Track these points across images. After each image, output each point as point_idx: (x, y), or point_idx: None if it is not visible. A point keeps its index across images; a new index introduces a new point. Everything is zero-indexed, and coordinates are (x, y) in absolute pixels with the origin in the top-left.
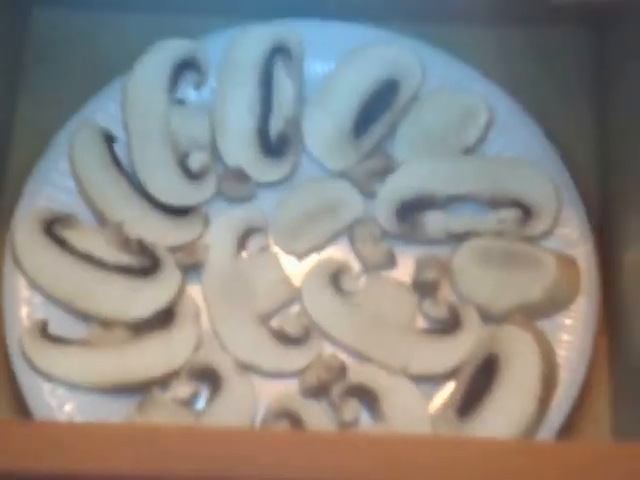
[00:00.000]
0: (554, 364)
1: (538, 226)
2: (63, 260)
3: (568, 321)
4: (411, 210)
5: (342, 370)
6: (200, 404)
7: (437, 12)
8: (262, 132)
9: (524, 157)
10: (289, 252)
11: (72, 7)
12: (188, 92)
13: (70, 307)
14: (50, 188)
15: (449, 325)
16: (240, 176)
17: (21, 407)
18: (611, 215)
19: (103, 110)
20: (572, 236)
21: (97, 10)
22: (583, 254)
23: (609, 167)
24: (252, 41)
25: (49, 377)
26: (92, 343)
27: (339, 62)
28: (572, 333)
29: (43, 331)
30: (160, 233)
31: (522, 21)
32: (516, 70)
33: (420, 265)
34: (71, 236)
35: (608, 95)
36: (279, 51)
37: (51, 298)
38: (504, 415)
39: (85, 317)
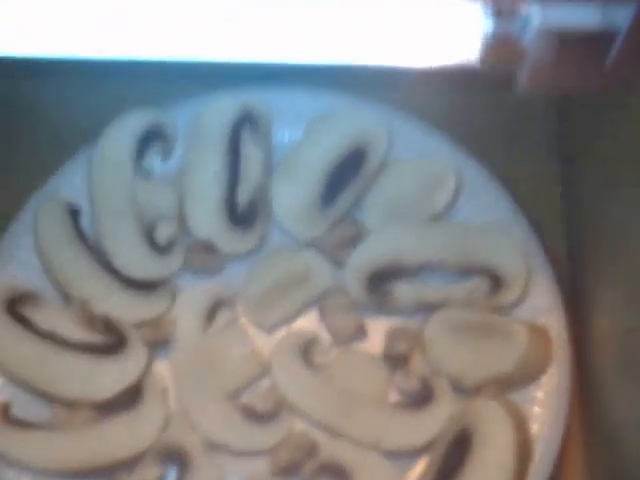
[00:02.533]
0: (528, 438)
1: (508, 296)
2: (25, 340)
3: (540, 393)
4: (381, 280)
5: (313, 447)
6: None
7: (403, 78)
8: (230, 202)
9: (493, 224)
10: (258, 325)
11: (34, 75)
12: (154, 162)
13: (33, 388)
14: (14, 265)
15: (421, 398)
16: (208, 248)
17: None
18: (582, 283)
19: (68, 183)
20: (543, 305)
21: (60, 78)
22: (554, 323)
23: (578, 233)
24: (219, 109)
25: (12, 463)
26: (56, 425)
27: (306, 130)
28: (544, 406)
29: (5, 414)
30: (126, 309)
31: (489, 87)
32: (483, 135)
33: (391, 337)
34: (34, 314)
35: (576, 160)
36: (246, 119)
37: (12, 379)
38: None
39: (48, 398)
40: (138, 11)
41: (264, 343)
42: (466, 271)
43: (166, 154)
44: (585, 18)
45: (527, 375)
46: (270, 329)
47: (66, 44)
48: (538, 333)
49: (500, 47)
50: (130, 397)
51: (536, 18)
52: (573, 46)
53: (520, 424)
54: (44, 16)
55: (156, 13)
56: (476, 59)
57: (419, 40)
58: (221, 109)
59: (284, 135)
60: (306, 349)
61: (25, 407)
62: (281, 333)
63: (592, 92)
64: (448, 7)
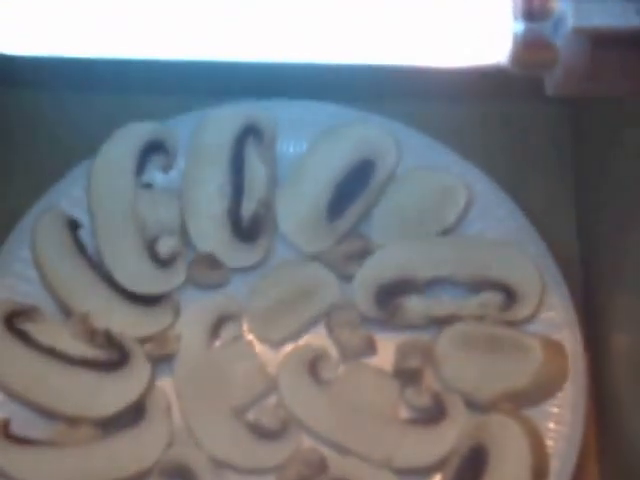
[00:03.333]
0: (544, 455)
1: (522, 310)
2: (25, 355)
3: (555, 409)
4: (390, 294)
5: (322, 465)
6: None
7: (410, 91)
8: (234, 216)
9: (504, 238)
10: (264, 340)
11: (32, 88)
12: (155, 175)
13: (33, 405)
14: (12, 279)
15: (433, 414)
16: (212, 262)
17: None
18: (596, 296)
19: (67, 195)
20: (557, 320)
21: (59, 91)
22: (569, 338)
23: (591, 246)
24: (222, 122)
25: None
26: (57, 443)
27: (312, 142)
28: (560, 421)
29: (5, 431)
30: (128, 324)
31: (499, 99)
32: (493, 148)
33: (401, 352)
34: (34, 329)
35: (590, 174)
36: (250, 131)
37: (13, 395)
38: None
39: (49, 415)
40: (140, 12)
41: (270, 358)
42: (478, 285)
43: (167, 167)
44: (621, 17)
45: (542, 391)
46: (276, 344)
47: (67, 45)
48: (553, 348)
49: (531, 49)
50: (133, 414)
51: (569, 18)
52: (608, 47)
53: (536, 441)
54: (44, 17)
55: (163, 14)
56: (506, 61)
57: (447, 41)
58: (224, 121)
59: (289, 146)
60: (314, 365)
61: (26, 424)
62: (288, 348)
63: (628, 96)
64: (477, 7)
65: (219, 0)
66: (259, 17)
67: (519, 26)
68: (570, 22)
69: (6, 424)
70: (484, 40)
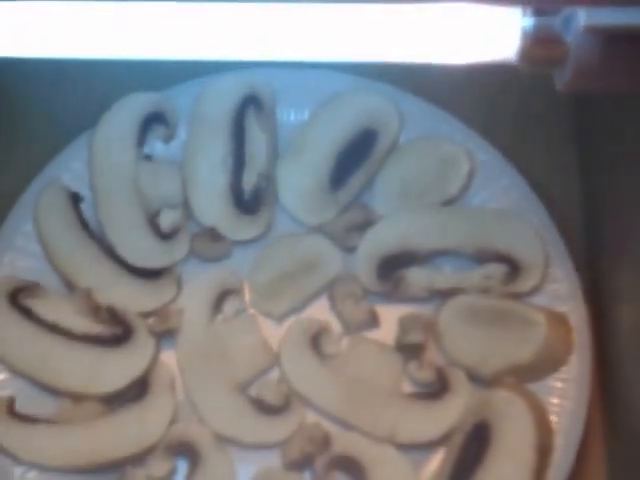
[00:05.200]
0: (549, 431)
1: (526, 282)
2: (29, 331)
3: (559, 384)
4: (392, 266)
5: (326, 440)
6: None
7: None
8: (235, 188)
9: (508, 209)
10: (267, 314)
11: (30, 63)
12: (156, 146)
13: (37, 381)
14: (15, 253)
15: (436, 389)
16: (213, 235)
17: None
18: (600, 268)
19: (68, 169)
20: (561, 292)
21: (58, 63)
22: (574, 311)
23: (595, 218)
24: (222, 91)
25: (19, 459)
26: (62, 420)
27: (313, 111)
28: (564, 396)
29: (10, 409)
30: (131, 298)
31: (503, 67)
32: (497, 119)
33: (404, 326)
34: (37, 305)
35: (593, 144)
36: (250, 101)
37: (17, 372)
38: None
39: (53, 392)
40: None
41: (273, 333)
42: (481, 257)
43: (168, 138)
44: (633, 15)
45: (546, 365)
46: (279, 318)
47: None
48: (558, 321)
49: (541, 45)
50: (137, 390)
51: (580, 15)
52: (620, 44)
53: (540, 416)
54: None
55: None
56: (515, 57)
57: (456, 37)
58: (224, 91)
59: (290, 115)
60: (316, 338)
61: (30, 401)
62: (290, 322)
63: (639, 94)
64: (485, 3)
65: None
66: (264, 17)
67: (528, 21)
68: (581, 19)
69: (11, 402)
70: (493, 36)
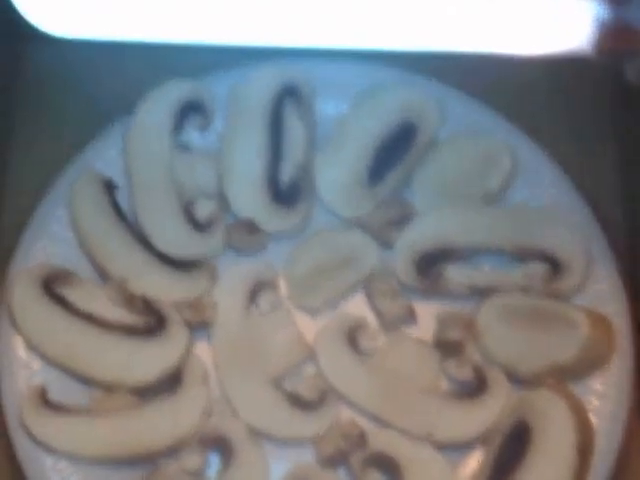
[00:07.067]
0: (590, 432)
1: (568, 282)
2: (62, 320)
3: (599, 385)
4: (431, 262)
5: (361, 437)
6: (211, 474)
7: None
8: (272, 179)
9: (550, 207)
10: (302, 308)
11: (67, 46)
12: (192, 135)
13: (70, 371)
14: (48, 240)
15: (475, 387)
16: (249, 226)
17: None
18: None
19: (103, 156)
20: (604, 292)
21: (94, 49)
22: (616, 312)
23: (638, 217)
24: (260, 82)
25: (51, 449)
26: (94, 410)
27: (352, 104)
28: (604, 398)
29: (43, 399)
30: (165, 288)
31: (550, 65)
32: (541, 116)
33: (442, 323)
34: (71, 294)
35: (635, 140)
36: (289, 92)
37: (50, 361)
38: None
39: (86, 382)
40: None
41: (308, 327)
42: (522, 255)
43: (204, 127)
44: None
45: (587, 366)
46: (315, 312)
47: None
48: (599, 321)
49: (617, 35)
50: (170, 382)
51: None
52: None
53: (581, 417)
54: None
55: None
56: (590, 47)
57: (531, 27)
58: (262, 80)
59: (329, 107)
60: (352, 334)
61: (63, 391)
62: (326, 317)
63: None
64: None
65: None
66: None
67: (604, 12)
68: None
69: (43, 392)
70: (567, 27)
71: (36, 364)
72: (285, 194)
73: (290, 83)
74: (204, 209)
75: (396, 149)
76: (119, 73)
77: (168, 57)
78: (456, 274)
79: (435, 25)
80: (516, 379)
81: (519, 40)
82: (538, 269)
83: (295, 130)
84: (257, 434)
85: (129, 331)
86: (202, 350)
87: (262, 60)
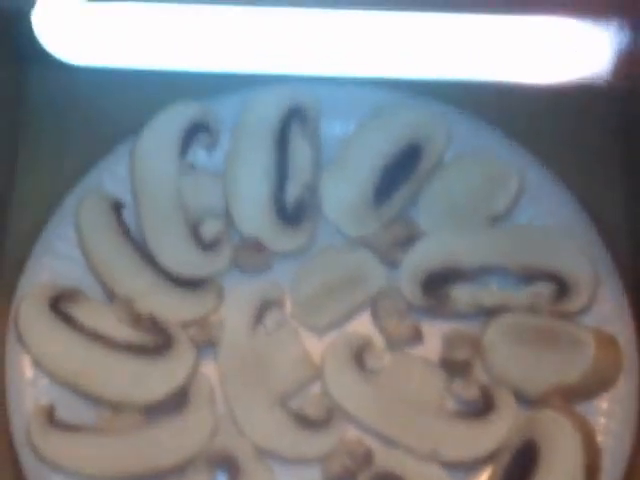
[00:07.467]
0: (596, 451)
1: (575, 302)
2: (70, 339)
3: (606, 404)
4: (438, 282)
5: (368, 456)
6: None
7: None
8: (278, 199)
9: (556, 227)
10: (309, 327)
11: (72, 69)
12: (199, 156)
13: (77, 390)
14: (55, 259)
15: (482, 407)
16: (256, 246)
17: None
18: None
19: (110, 175)
20: (610, 312)
21: (101, 69)
22: (623, 331)
23: None
24: (267, 102)
25: (58, 468)
26: (101, 429)
27: (359, 124)
28: (611, 417)
29: (50, 417)
30: (172, 307)
31: (551, 84)
32: (546, 137)
33: (449, 343)
34: (78, 312)
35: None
36: (295, 112)
37: (57, 380)
38: None
39: (93, 400)
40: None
41: (315, 346)
42: (529, 275)
43: (211, 148)
44: None
45: (594, 386)
46: (321, 332)
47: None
48: (607, 341)
49: (633, 61)
50: (177, 401)
51: None
52: None
53: (588, 437)
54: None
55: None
56: (607, 74)
57: (549, 56)
58: (269, 102)
59: (336, 128)
60: (359, 353)
61: (70, 410)
62: (332, 336)
63: None
64: (579, 20)
65: None
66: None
67: (622, 39)
68: None
69: (51, 410)
70: (585, 53)
71: (43, 383)
72: (291, 214)
73: (296, 104)
74: (211, 229)
75: (402, 169)
76: (124, 97)
77: (173, 83)
78: (462, 294)
79: (445, 53)
80: (523, 399)
81: (530, 68)
82: (545, 289)
83: (301, 150)
84: (263, 453)
85: (136, 350)
86: (209, 369)
87: (268, 83)
